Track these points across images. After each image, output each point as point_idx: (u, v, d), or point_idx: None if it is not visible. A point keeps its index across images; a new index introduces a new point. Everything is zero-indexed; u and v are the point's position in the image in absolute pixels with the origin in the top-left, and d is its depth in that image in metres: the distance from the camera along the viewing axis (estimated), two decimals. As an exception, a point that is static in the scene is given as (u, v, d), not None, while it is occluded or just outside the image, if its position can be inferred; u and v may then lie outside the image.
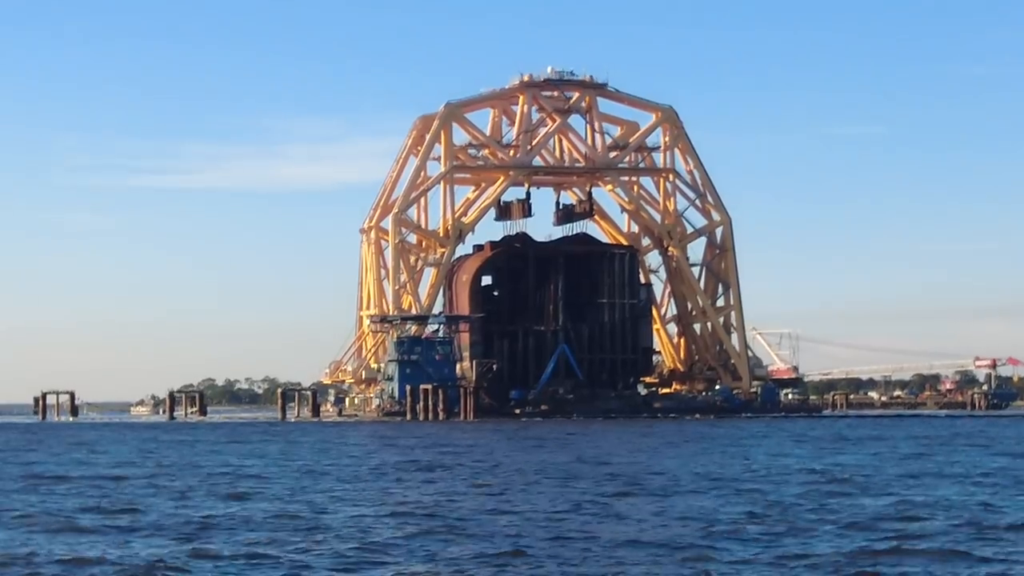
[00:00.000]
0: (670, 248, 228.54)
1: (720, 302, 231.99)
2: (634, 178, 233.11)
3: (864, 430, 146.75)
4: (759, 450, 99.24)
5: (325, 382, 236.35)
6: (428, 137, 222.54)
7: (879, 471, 73.85)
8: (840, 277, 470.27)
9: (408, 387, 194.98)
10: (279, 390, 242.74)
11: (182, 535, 43.83)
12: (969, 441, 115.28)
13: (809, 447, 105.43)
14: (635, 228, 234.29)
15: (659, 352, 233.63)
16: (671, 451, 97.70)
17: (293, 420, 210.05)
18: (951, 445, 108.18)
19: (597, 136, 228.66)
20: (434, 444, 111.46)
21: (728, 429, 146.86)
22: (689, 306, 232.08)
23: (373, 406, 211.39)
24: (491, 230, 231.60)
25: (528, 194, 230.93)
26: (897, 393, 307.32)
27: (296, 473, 75.31)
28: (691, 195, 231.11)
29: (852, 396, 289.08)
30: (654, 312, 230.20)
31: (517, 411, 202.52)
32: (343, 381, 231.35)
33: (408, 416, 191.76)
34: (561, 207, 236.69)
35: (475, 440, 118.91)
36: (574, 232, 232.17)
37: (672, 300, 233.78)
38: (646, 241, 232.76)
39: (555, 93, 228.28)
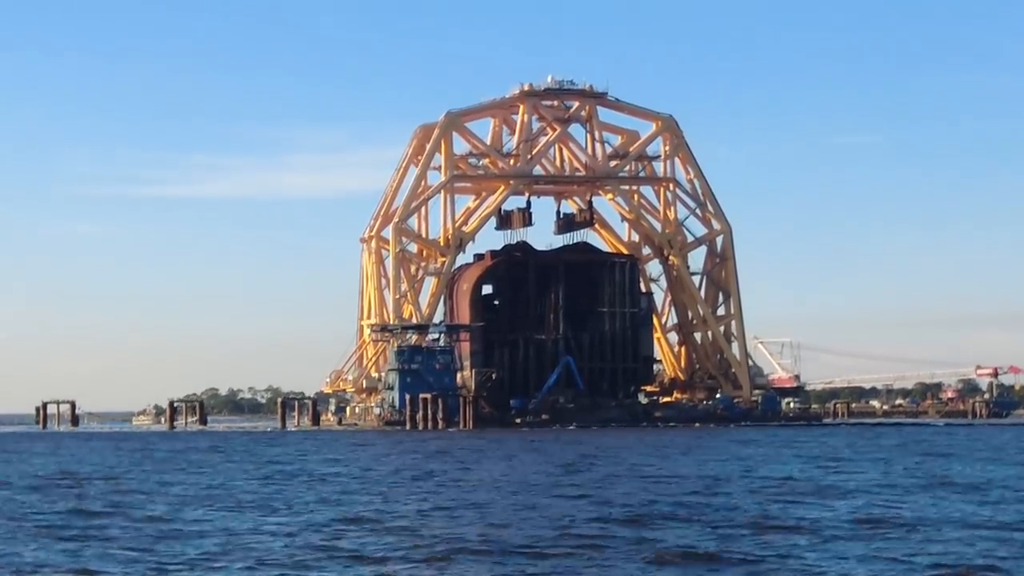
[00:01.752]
0: (670, 257, 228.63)
1: (721, 311, 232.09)
2: (634, 187, 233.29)
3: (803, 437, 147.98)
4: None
5: (326, 391, 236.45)
6: (428, 146, 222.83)
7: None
8: (842, 286, 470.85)
9: (408, 396, 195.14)
10: (279, 399, 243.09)
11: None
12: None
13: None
14: (635, 237, 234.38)
15: (660, 361, 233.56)
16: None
17: (293, 429, 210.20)
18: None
19: (597, 145, 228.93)
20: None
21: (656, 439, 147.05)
22: (690, 315, 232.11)
23: (373, 415, 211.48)
24: (491, 239, 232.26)
25: (528, 203, 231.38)
26: (899, 402, 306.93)
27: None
28: (691, 204, 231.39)
29: (854, 405, 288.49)
30: (655, 321, 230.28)
31: (518, 420, 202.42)
32: (344, 390, 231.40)
33: (408, 425, 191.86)
34: (561, 216, 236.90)
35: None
36: (575, 241, 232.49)
37: (673, 309, 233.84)
38: (646, 250, 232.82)
39: (555, 102, 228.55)
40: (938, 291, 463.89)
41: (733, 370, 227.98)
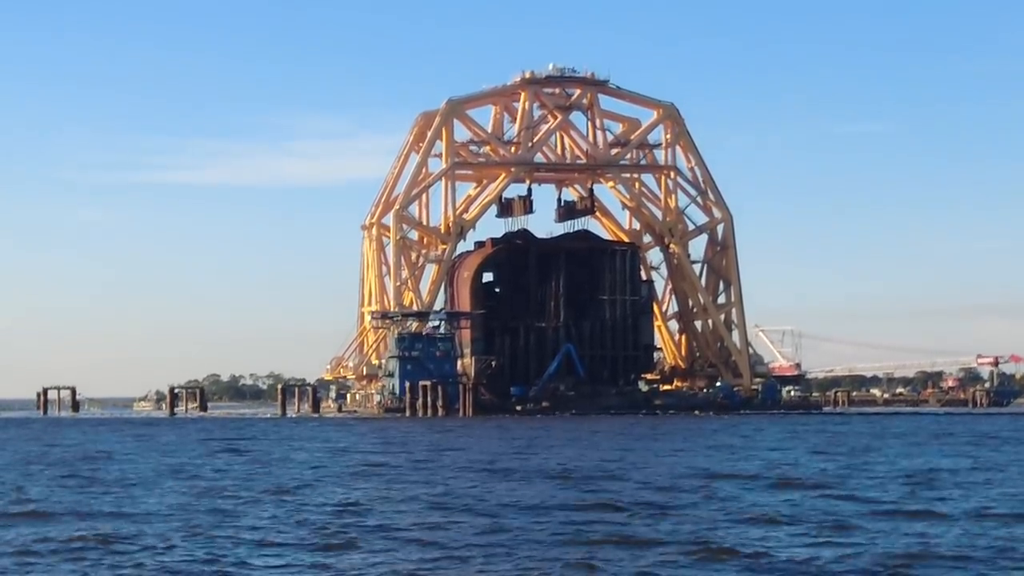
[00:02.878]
0: (671, 245, 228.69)
1: (721, 299, 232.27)
2: (635, 175, 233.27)
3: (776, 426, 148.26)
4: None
5: (327, 378, 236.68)
6: (430, 134, 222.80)
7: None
8: (843, 274, 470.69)
9: (408, 383, 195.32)
10: (280, 386, 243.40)
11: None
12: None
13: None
14: (636, 225, 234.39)
15: (660, 349, 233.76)
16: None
17: (293, 416, 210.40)
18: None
19: (598, 133, 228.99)
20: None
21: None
22: (690, 303, 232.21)
23: (374, 402, 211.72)
24: (492, 227, 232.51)
25: (529, 191, 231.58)
26: (899, 390, 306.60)
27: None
28: (692, 192, 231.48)
29: (854, 393, 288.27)
30: (655, 309, 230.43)
31: (518, 408, 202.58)
32: (345, 377, 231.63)
33: (408, 412, 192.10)
34: (562, 204, 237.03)
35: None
36: (575, 229, 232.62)
37: (673, 297, 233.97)
38: (647, 238, 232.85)
39: (556, 90, 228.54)
40: (940, 280, 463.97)
41: (733, 358, 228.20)
